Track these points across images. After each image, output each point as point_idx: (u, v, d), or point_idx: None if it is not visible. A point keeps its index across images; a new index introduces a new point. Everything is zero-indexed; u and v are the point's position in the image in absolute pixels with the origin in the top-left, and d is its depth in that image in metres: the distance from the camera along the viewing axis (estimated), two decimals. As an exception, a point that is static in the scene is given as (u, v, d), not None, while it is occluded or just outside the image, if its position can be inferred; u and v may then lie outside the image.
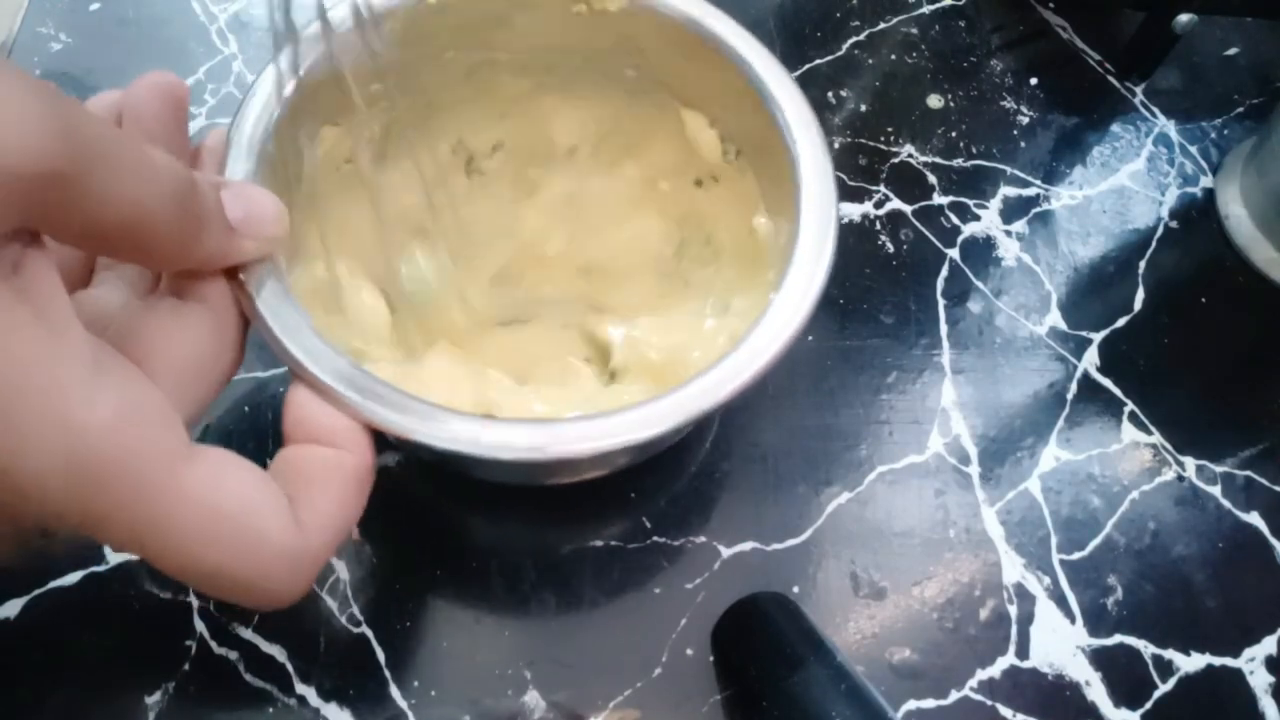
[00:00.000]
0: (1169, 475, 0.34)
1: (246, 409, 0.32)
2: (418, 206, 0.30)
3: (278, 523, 0.18)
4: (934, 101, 0.43)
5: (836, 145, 0.41)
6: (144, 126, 0.22)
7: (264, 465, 0.30)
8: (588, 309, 0.32)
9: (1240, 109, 0.44)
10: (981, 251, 0.39)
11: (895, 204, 0.39)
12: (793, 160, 0.26)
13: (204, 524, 0.17)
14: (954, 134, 0.42)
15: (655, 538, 0.31)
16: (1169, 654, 0.31)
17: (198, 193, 0.19)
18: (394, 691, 0.28)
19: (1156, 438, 0.35)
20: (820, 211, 0.25)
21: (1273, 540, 0.33)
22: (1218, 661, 0.31)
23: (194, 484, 0.17)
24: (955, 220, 0.39)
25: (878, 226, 0.39)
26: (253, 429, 0.32)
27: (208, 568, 0.17)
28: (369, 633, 0.29)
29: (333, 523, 0.20)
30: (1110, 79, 0.44)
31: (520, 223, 0.33)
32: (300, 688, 0.28)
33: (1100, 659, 0.30)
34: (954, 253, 0.38)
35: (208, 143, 0.24)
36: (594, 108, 0.32)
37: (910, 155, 0.41)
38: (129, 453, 0.16)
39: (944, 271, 0.38)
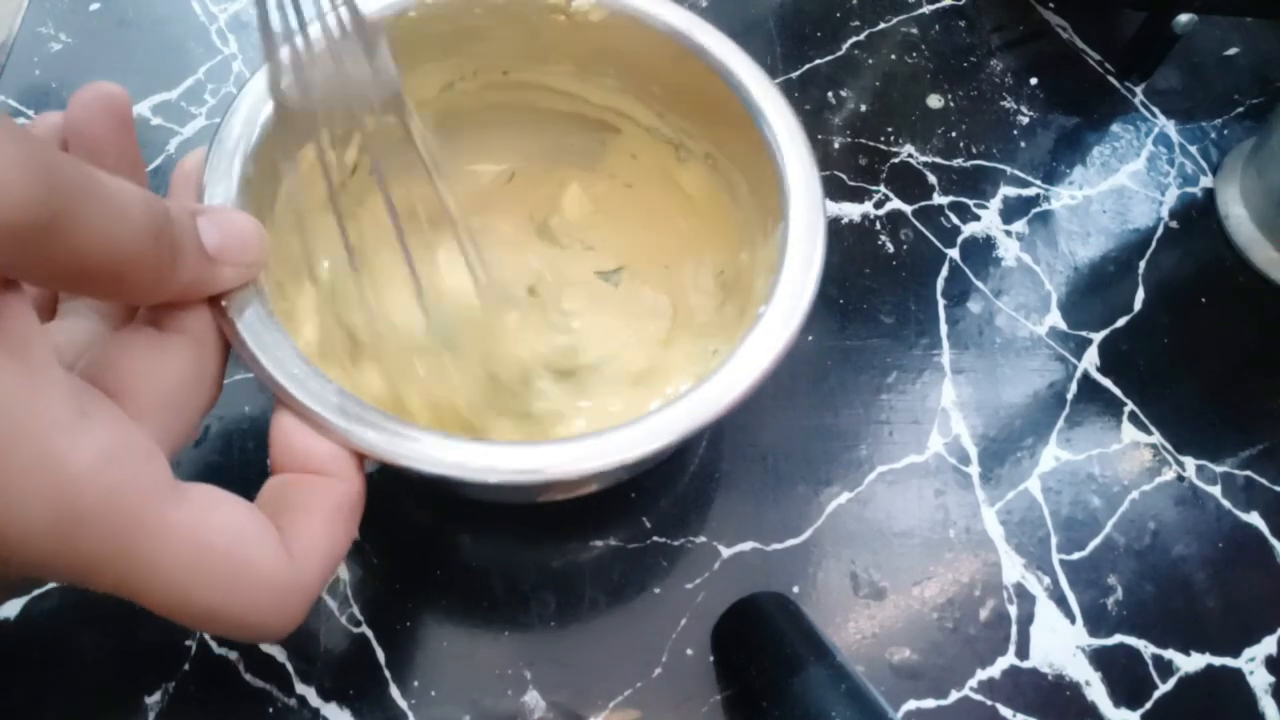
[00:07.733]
0: (1169, 475, 0.34)
1: (246, 409, 0.32)
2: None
3: (268, 558, 0.18)
4: (934, 101, 0.43)
5: (836, 145, 0.41)
6: (91, 147, 0.21)
7: (264, 464, 0.31)
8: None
9: (1240, 109, 0.44)
10: (981, 251, 0.39)
11: (895, 204, 0.39)
12: (780, 171, 0.26)
13: (194, 562, 0.17)
14: (954, 134, 0.42)
15: (655, 538, 0.31)
16: (1169, 654, 0.31)
17: (172, 223, 0.18)
18: (394, 691, 0.28)
19: (1156, 438, 0.35)
20: (808, 221, 0.25)
21: (1273, 540, 0.33)
22: (1218, 661, 0.31)
23: (182, 522, 0.17)
24: (955, 220, 0.39)
25: (878, 226, 0.39)
26: (253, 429, 0.32)
27: (199, 606, 0.17)
28: (369, 633, 0.29)
29: (324, 553, 0.19)
30: (1110, 79, 0.44)
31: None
32: (300, 688, 0.28)
33: (1100, 659, 0.30)
34: (954, 253, 0.38)
35: (185, 165, 0.24)
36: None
37: (910, 155, 0.41)
38: (115, 494, 0.16)
39: (944, 271, 0.38)
